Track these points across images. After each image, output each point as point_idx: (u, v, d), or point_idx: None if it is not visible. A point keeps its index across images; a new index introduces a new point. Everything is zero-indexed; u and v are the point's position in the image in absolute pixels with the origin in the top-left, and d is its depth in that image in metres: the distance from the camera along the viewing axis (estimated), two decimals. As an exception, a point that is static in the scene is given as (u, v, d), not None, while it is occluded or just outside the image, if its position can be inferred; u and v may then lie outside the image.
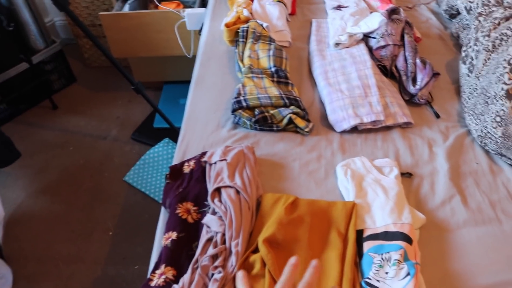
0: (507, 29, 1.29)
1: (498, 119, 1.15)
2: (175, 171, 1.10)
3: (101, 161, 2.34)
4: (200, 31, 2.00)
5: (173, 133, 2.29)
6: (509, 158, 1.17)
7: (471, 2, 1.55)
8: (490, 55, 1.32)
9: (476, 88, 1.30)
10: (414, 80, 1.36)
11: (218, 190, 1.00)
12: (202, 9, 1.99)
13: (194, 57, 2.13)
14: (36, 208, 2.14)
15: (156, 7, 2.19)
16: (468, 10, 1.56)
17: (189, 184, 1.04)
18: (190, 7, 2.25)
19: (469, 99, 1.32)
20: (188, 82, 1.49)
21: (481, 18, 1.46)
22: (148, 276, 0.90)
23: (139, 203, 2.12)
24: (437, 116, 1.32)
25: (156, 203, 2.09)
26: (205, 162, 1.08)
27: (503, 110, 1.13)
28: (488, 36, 1.35)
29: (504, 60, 1.17)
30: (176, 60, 2.32)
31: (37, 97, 2.69)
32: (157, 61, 2.44)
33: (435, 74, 1.38)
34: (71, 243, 1.98)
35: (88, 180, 2.25)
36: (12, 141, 2.09)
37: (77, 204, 2.14)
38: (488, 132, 1.18)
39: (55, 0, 1.58)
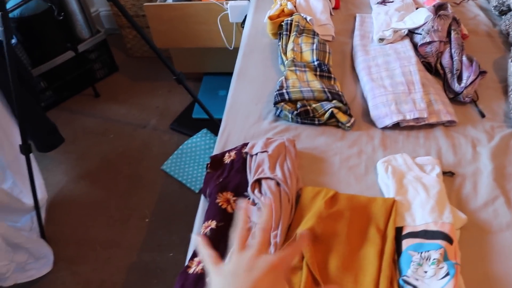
0: (561, 28, 1.25)
1: (547, 120, 1.11)
2: (216, 161, 1.11)
3: (140, 150, 2.39)
4: (242, 23, 2.02)
5: (211, 124, 2.31)
6: (558, 161, 1.13)
7: (523, -1, 1.50)
8: (542, 54, 1.28)
9: (525, 88, 1.27)
10: (459, 78, 1.33)
11: (258, 181, 1.01)
12: (245, 2, 2.00)
13: (235, 49, 2.15)
14: (77, 193, 2.21)
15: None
16: (519, 7, 1.52)
17: (230, 174, 1.05)
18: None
19: (517, 99, 1.28)
20: (228, 74, 1.50)
21: (533, 15, 1.42)
22: (186, 263, 0.92)
23: (176, 192, 2.16)
24: (482, 115, 1.29)
25: (192, 192, 2.12)
26: (246, 153, 1.09)
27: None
28: (540, 34, 1.31)
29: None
30: (217, 51, 2.34)
31: (80, 85, 2.77)
32: (198, 52, 2.47)
33: (482, 72, 1.35)
34: (108, 228, 2.03)
35: (126, 168, 2.30)
36: (57, 127, 2.15)
37: (115, 191, 2.20)
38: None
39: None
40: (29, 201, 1.82)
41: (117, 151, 2.40)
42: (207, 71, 2.65)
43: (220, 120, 1.30)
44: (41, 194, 1.93)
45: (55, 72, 2.54)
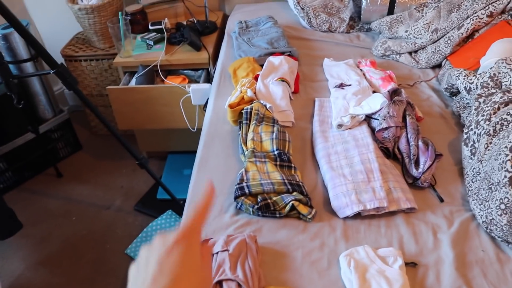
0: (507, 115, 1.30)
1: (502, 206, 1.14)
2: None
3: (103, 232, 2.32)
4: (204, 106, 2.04)
5: (176, 205, 2.28)
6: (516, 247, 1.15)
7: (470, 83, 1.58)
8: (492, 139, 1.33)
9: (479, 172, 1.30)
10: (417, 163, 1.37)
11: (219, 283, 0.98)
12: (207, 85, 2.04)
13: (198, 129, 2.16)
14: (35, 281, 2.10)
15: (162, 81, 2.24)
16: (468, 91, 1.59)
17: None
18: (196, 81, 2.30)
19: (472, 182, 1.31)
20: (192, 152, 1.50)
21: (481, 100, 1.49)
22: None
23: (140, 277, 2.08)
24: (441, 200, 1.31)
25: (157, 277, 2.05)
26: (207, 252, 1.06)
27: (507, 197, 1.12)
28: (489, 120, 1.37)
29: (506, 147, 1.18)
30: (181, 131, 2.35)
31: (42, 165, 2.71)
32: (162, 132, 2.47)
33: (438, 155, 1.39)
34: (69, 320, 1.93)
35: (89, 252, 2.23)
36: (15, 212, 2.08)
37: (77, 277, 2.11)
38: (493, 219, 1.16)
39: (64, 80, 1.62)
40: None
41: (80, 234, 2.32)
42: (171, 150, 2.65)
43: (184, 201, 1.29)
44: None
45: (15, 153, 2.50)
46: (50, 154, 2.70)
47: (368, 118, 1.54)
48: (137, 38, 2.39)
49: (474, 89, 1.56)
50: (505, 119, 1.30)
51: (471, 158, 1.37)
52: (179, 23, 2.44)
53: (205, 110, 1.94)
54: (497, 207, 1.15)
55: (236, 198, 1.22)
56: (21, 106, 1.71)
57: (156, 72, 2.25)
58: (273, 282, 1.04)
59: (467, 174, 1.35)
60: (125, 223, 2.37)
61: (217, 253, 1.05)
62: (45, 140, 2.62)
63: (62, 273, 2.13)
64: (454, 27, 1.89)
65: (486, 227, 1.20)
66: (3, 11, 1.45)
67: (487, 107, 1.41)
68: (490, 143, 1.32)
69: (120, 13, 2.16)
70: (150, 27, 2.38)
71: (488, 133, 1.33)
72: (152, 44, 2.32)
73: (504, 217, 1.13)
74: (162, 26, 2.35)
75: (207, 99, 1.96)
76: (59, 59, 1.64)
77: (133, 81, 2.25)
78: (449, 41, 1.88)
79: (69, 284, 2.07)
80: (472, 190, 1.29)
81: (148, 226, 2.23)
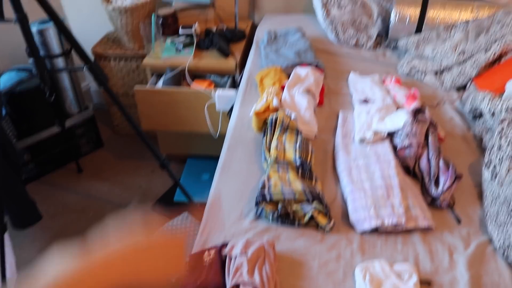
0: (531, 141, 1.31)
1: (521, 232, 1.14)
2: (195, 260, 1.11)
3: (119, 230, 2.35)
4: (229, 112, 2.08)
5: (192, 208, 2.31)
6: (532, 274, 1.15)
7: (495, 107, 1.58)
8: (514, 164, 1.33)
9: (499, 196, 1.30)
10: (436, 183, 1.37)
11: (236, 286, 1.01)
12: (232, 91, 2.07)
13: (220, 136, 2.20)
14: (50, 272, 2.14)
15: (188, 85, 2.28)
16: (492, 114, 1.59)
17: (208, 277, 1.05)
18: (222, 87, 2.34)
19: (491, 205, 1.31)
20: (212, 157, 1.52)
21: (504, 124, 1.49)
22: None
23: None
24: (459, 221, 1.31)
25: (170, 277, 2.08)
26: (225, 255, 1.09)
27: (526, 223, 1.13)
28: (512, 144, 1.37)
29: (528, 173, 1.18)
30: (202, 136, 2.39)
31: (64, 159, 2.77)
32: (184, 135, 2.51)
33: (458, 177, 1.39)
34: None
35: (104, 248, 2.26)
36: (36, 203, 2.13)
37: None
38: (511, 244, 1.17)
39: (96, 76, 1.67)
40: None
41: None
42: (192, 154, 2.69)
43: (201, 204, 1.32)
44: (11, 273, 1.87)
45: (40, 146, 2.56)
46: (72, 149, 2.75)
47: (391, 135, 1.56)
48: (167, 40, 2.44)
49: (498, 113, 1.57)
50: (528, 145, 1.30)
51: (492, 181, 1.37)
52: (209, 29, 2.49)
53: (229, 116, 1.97)
54: (516, 232, 1.15)
55: (257, 203, 1.24)
56: (52, 99, 1.77)
57: (183, 75, 2.29)
58: (289, 289, 1.06)
59: (486, 197, 1.35)
60: (141, 222, 2.40)
61: (235, 257, 1.07)
62: (69, 136, 2.67)
63: (77, 267, 2.16)
64: (482, 50, 1.89)
65: (503, 252, 1.20)
66: (45, 6, 1.51)
67: (511, 131, 1.42)
68: (512, 167, 1.32)
69: (153, 15, 2.21)
70: (180, 31, 2.43)
71: (510, 157, 1.33)
72: (181, 47, 2.36)
73: (522, 242, 1.14)
74: (192, 30, 2.40)
75: (232, 106, 2.00)
76: (90, 57, 1.69)
77: (160, 82, 2.30)
78: (475, 64, 1.89)
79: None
80: (490, 213, 1.30)
81: (163, 227, 2.26)
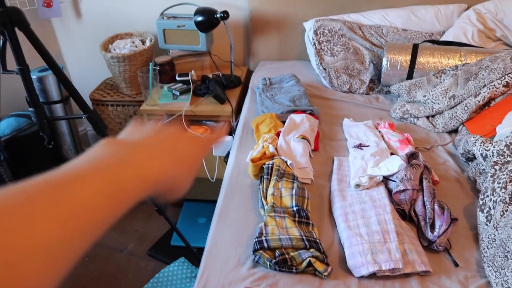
0: (523, 185, 1.33)
1: (518, 276, 1.15)
2: (193, 309, 1.11)
3: (115, 275, 2.34)
4: (225, 158, 2.10)
5: (189, 253, 2.30)
6: (531, 319, 1.15)
7: (486, 150, 1.62)
8: (508, 207, 1.35)
9: (495, 239, 1.32)
10: (432, 226, 1.39)
11: (235, 335, 1.00)
12: (229, 137, 2.10)
13: (217, 180, 2.21)
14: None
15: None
16: (484, 157, 1.62)
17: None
18: (217, 132, 2.37)
19: (488, 248, 1.33)
20: (208, 201, 1.53)
21: (497, 167, 1.52)
22: None
23: (150, 324, 2.09)
24: (456, 264, 1.32)
25: (166, 325, 2.05)
26: (224, 303, 1.09)
27: (522, 267, 1.14)
28: (505, 188, 1.40)
29: (521, 216, 1.20)
30: (199, 180, 2.40)
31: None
32: (181, 179, 2.52)
33: (453, 220, 1.41)
34: None
35: (100, 295, 2.24)
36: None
37: (86, 320, 2.12)
38: (510, 287, 1.17)
39: (95, 125, 1.70)
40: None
41: (91, 276, 2.34)
42: (188, 198, 2.69)
43: (197, 249, 1.32)
44: None
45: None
46: (69, 194, 2.75)
47: (386, 179, 1.58)
48: (164, 87, 2.49)
49: (490, 156, 1.60)
50: (520, 189, 1.33)
51: (487, 225, 1.39)
52: (205, 75, 2.54)
53: (225, 161, 1.99)
54: (512, 276, 1.16)
55: (255, 251, 1.25)
56: (51, 146, 1.80)
57: (180, 121, 2.32)
58: (287, 338, 1.05)
59: (483, 240, 1.37)
60: (137, 267, 2.39)
61: (234, 304, 1.07)
62: (66, 180, 2.68)
63: (72, 315, 2.14)
64: (471, 95, 1.95)
65: (501, 296, 1.20)
66: (45, 56, 1.55)
67: (503, 175, 1.44)
68: (506, 210, 1.34)
69: (150, 64, 2.26)
70: (177, 78, 2.49)
71: (504, 201, 1.36)
72: (178, 94, 2.41)
73: (519, 287, 1.14)
74: (189, 77, 2.45)
75: (228, 151, 2.02)
76: (88, 102, 1.73)
77: (157, 128, 2.33)
78: (466, 108, 1.94)
79: (78, 326, 2.08)
80: (487, 256, 1.31)
81: (160, 272, 2.24)
